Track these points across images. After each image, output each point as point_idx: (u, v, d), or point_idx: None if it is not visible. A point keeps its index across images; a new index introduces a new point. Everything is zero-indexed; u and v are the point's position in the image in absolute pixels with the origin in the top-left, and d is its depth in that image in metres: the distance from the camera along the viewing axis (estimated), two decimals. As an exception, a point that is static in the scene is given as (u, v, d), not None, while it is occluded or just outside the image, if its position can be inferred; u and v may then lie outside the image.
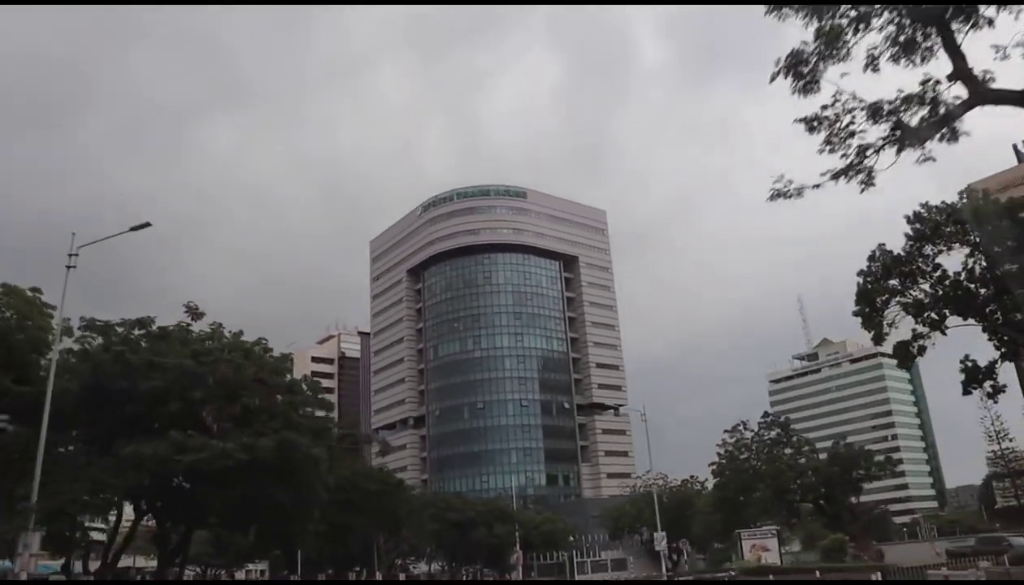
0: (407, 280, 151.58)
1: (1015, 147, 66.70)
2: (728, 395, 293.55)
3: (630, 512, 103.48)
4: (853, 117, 14.56)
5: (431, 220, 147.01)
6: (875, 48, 14.09)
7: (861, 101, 14.41)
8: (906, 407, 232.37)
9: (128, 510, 33.71)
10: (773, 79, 14.23)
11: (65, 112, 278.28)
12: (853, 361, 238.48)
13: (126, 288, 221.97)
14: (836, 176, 14.81)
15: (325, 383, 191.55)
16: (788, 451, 57.43)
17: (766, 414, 63.90)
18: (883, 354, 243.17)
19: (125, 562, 45.93)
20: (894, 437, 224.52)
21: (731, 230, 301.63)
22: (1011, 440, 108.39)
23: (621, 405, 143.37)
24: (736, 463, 57.09)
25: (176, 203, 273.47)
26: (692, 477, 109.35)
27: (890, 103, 14.33)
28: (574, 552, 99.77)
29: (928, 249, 33.98)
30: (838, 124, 14.64)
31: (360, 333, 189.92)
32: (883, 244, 34.95)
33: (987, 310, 33.93)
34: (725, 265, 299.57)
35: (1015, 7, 13.01)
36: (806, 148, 16.25)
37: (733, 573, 45.49)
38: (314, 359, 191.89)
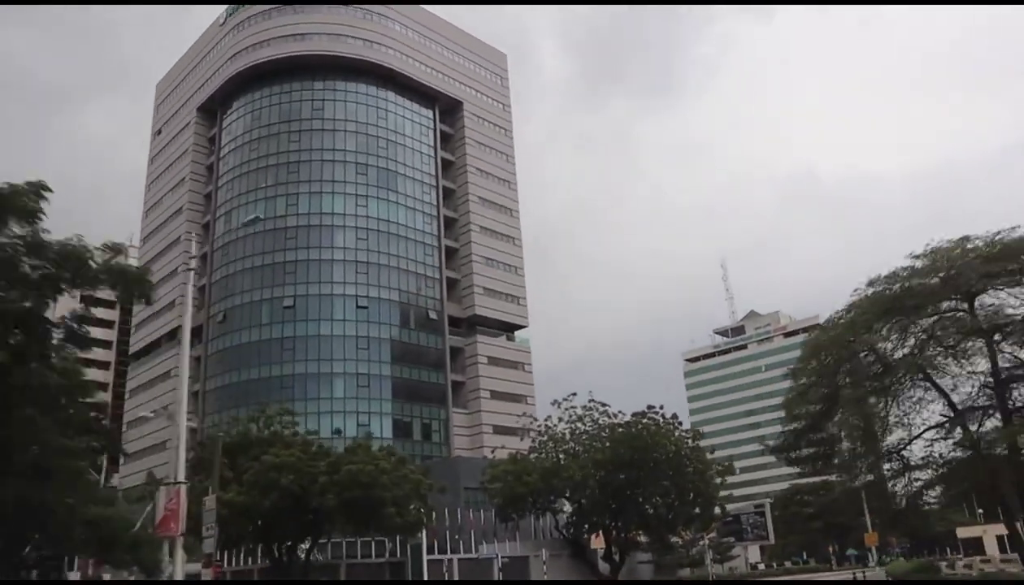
0: (197, 123, 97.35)
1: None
2: (636, 400, 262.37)
3: (542, 470, 54.31)
4: None
5: (238, 26, 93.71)
6: None
7: None
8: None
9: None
10: None
11: None
12: (787, 334, 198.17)
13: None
14: None
15: (103, 314, 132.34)
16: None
17: None
18: (822, 326, 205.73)
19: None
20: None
21: (627, 241, 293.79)
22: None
23: (519, 326, 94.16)
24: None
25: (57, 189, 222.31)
26: (653, 408, 61.14)
27: None
28: (427, 541, 49.52)
29: None
30: None
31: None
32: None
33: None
34: (620, 280, 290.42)
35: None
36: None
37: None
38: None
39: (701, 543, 76.46)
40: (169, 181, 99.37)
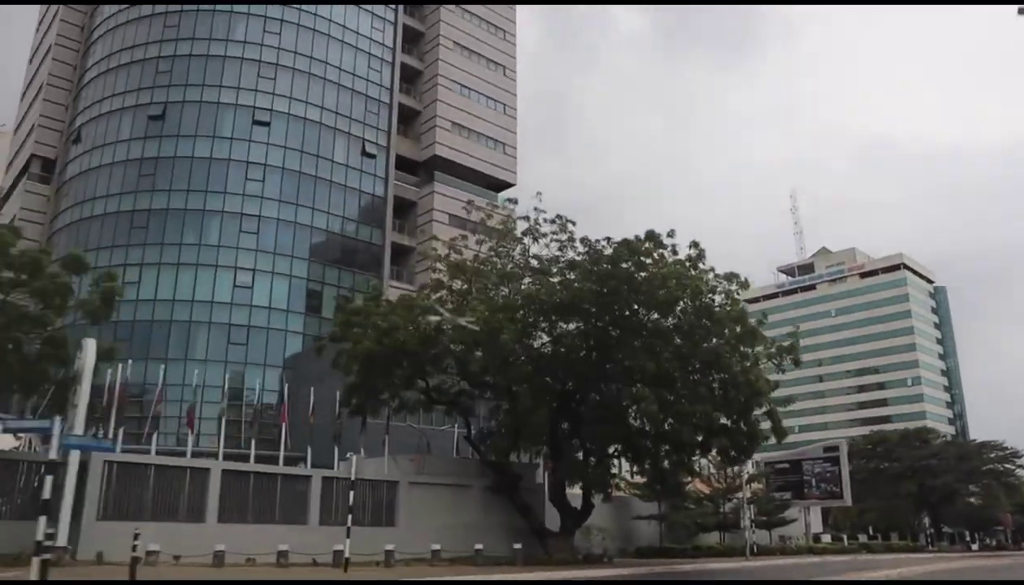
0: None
1: None
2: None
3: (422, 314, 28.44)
4: None
5: None
6: None
7: None
8: (929, 343, 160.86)
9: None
10: None
11: None
12: (864, 275, 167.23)
13: None
14: None
15: None
16: None
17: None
18: (907, 267, 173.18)
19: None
20: (916, 380, 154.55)
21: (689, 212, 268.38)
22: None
23: (506, 184, 68.14)
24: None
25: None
26: (658, 235, 34.25)
27: None
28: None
29: None
30: None
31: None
32: None
33: None
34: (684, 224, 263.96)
35: None
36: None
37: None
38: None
39: (738, 495, 49.94)
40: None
